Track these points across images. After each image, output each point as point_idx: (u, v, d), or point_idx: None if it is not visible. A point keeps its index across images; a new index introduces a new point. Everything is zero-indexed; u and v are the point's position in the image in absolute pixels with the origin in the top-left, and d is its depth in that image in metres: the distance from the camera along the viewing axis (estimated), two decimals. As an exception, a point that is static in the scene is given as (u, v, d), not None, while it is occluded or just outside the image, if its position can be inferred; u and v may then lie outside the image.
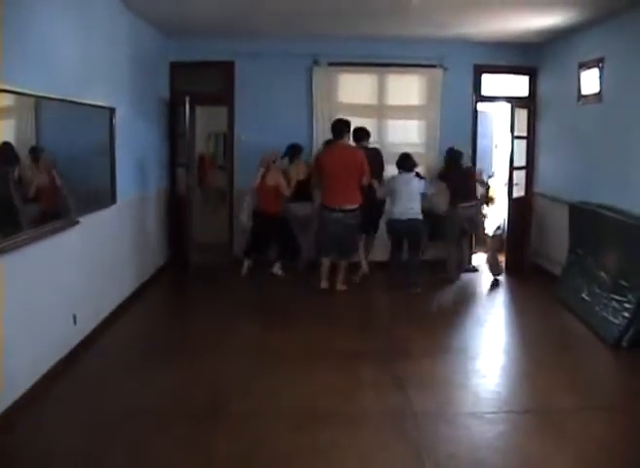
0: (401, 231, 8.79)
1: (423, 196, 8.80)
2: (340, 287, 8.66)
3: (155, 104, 9.30)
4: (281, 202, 9.18)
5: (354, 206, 8.29)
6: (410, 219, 8.63)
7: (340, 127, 8.44)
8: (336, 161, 8.29)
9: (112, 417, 4.83)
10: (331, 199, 8.34)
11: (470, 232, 9.53)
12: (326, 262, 8.64)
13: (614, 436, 4.63)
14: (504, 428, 4.81)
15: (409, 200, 8.63)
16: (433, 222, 9.33)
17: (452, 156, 9.33)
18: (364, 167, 8.31)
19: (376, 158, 9.02)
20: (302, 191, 9.32)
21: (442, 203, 9.30)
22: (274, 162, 9.14)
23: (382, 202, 9.17)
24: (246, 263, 9.39)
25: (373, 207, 8.99)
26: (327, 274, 8.67)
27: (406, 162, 8.83)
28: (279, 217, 9.19)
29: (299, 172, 9.32)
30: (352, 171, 8.25)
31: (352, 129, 8.72)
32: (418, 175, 8.98)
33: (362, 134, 9.10)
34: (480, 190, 9.78)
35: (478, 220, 9.37)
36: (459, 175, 9.20)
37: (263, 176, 9.02)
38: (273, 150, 9.15)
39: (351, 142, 8.77)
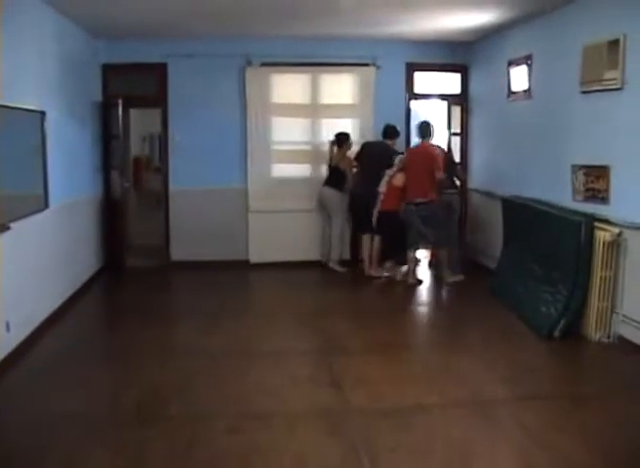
0: None
1: None
2: (448, 277, 8.96)
3: (88, 107, 9.17)
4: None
5: (424, 199, 8.68)
6: None
7: (425, 127, 8.99)
8: (413, 158, 8.92)
9: (47, 424, 4.75)
10: (407, 194, 8.87)
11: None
12: (411, 255, 9.01)
13: (544, 424, 4.72)
14: (440, 420, 4.87)
15: None
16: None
17: None
18: (436, 163, 8.68)
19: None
20: (335, 177, 9.62)
21: None
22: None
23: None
24: (388, 265, 9.39)
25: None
26: (414, 268, 9.09)
27: None
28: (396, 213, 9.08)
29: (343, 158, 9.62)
30: (425, 167, 8.66)
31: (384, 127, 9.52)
32: None
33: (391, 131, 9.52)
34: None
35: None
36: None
37: (392, 177, 9.09)
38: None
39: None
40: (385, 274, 9.34)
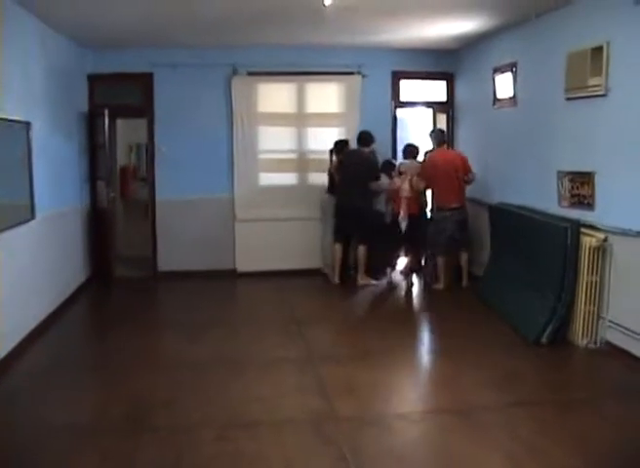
0: None
1: None
2: (466, 283, 9.15)
3: (73, 117, 9.14)
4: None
5: (458, 204, 8.96)
6: None
7: (441, 134, 9.46)
8: (439, 164, 8.99)
9: (36, 435, 4.73)
10: (438, 200, 9.18)
11: None
12: (440, 261, 9.15)
13: (533, 430, 4.73)
14: (428, 428, 4.89)
15: None
16: None
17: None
18: (467, 165, 8.97)
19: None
20: (332, 184, 9.69)
21: None
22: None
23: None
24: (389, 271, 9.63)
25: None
26: (445, 273, 9.14)
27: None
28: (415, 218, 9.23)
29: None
30: (453, 172, 8.87)
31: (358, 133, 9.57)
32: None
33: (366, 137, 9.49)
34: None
35: None
36: None
37: (410, 182, 9.15)
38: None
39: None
40: (373, 282, 9.34)
